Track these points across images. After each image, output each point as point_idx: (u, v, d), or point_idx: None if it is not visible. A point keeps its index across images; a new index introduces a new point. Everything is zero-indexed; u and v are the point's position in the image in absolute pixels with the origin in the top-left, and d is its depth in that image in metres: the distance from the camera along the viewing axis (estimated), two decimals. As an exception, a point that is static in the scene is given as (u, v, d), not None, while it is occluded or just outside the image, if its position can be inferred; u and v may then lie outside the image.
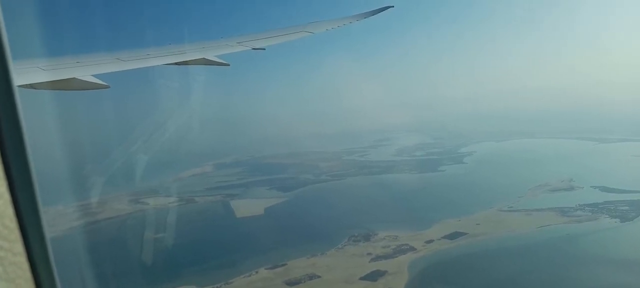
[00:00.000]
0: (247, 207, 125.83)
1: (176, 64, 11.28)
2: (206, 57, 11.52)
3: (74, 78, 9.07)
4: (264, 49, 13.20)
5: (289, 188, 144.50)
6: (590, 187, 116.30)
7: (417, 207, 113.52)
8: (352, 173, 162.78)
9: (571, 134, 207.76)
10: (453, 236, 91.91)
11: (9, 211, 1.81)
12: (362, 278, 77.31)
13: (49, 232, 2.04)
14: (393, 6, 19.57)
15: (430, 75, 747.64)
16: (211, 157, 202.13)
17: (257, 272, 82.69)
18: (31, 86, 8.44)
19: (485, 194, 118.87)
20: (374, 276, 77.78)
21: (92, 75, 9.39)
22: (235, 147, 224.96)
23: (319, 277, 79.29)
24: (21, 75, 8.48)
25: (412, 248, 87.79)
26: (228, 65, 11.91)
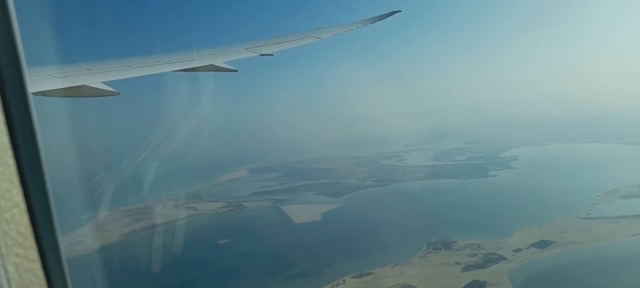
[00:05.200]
0: (302, 212, 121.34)
1: (185, 70, 11.27)
2: (214, 64, 11.53)
3: (84, 85, 9.09)
4: (272, 55, 13.14)
5: (337, 193, 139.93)
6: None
7: (486, 213, 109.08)
8: (397, 179, 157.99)
9: (611, 138, 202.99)
10: (541, 245, 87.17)
11: (24, 219, 1.83)
12: (465, 289, 72.89)
13: (62, 239, 2.04)
14: (400, 11, 19.45)
15: (444, 80, 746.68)
16: (240, 162, 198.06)
17: (344, 281, 78.11)
18: (42, 93, 8.40)
19: (552, 200, 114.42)
20: (475, 287, 73.16)
21: (102, 82, 9.41)
22: (259, 152, 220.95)
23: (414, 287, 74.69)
24: (32, 83, 7.18)
25: (503, 257, 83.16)
26: (236, 71, 11.78)
